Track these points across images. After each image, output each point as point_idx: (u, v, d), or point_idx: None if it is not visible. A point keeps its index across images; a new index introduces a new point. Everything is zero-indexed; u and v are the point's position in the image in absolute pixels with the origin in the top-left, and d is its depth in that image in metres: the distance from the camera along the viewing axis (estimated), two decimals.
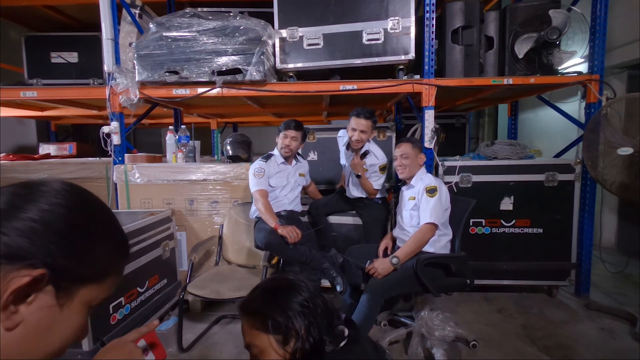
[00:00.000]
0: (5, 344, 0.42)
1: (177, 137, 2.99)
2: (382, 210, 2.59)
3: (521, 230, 2.71)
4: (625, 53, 3.37)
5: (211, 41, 2.51)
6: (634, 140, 2.20)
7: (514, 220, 2.70)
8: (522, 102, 4.37)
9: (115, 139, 2.74)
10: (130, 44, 2.80)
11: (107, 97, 2.67)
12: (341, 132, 2.67)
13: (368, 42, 2.56)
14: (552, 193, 2.66)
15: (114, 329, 1.96)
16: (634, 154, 2.19)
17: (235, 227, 2.58)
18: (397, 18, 2.51)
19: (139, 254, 2.21)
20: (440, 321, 1.99)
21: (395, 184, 3.11)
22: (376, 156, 2.44)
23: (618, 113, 2.28)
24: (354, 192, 2.58)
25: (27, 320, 0.43)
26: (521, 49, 2.66)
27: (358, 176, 2.42)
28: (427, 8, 2.56)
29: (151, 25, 2.57)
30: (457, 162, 2.69)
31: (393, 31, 2.53)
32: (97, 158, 3.27)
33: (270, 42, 2.57)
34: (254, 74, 2.51)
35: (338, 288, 2.10)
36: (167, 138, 3.03)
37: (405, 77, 2.69)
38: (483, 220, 2.72)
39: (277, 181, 2.42)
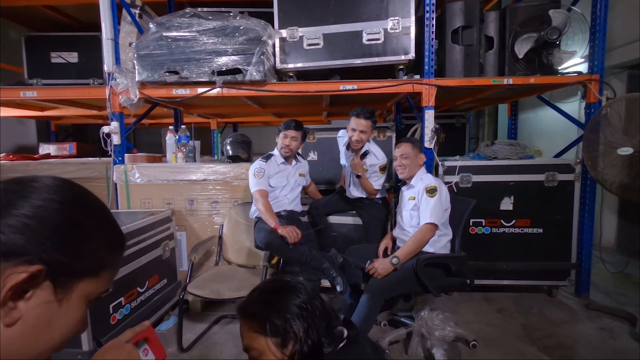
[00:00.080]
0: (5, 339, 0.42)
1: (177, 137, 2.99)
2: (382, 210, 2.58)
3: (521, 230, 2.71)
4: (625, 53, 3.37)
5: (211, 41, 2.51)
6: (634, 140, 2.20)
7: (514, 220, 2.70)
8: (522, 102, 4.37)
9: (115, 139, 2.74)
10: (130, 44, 2.80)
11: (107, 97, 2.67)
12: (341, 132, 2.67)
13: (368, 42, 2.56)
14: (552, 193, 2.66)
15: (114, 329, 1.96)
16: (634, 154, 2.19)
17: (235, 227, 2.58)
18: (397, 18, 2.51)
19: (139, 254, 2.21)
20: (440, 321, 1.99)
21: (395, 184, 3.11)
22: (376, 156, 2.44)
23: (618, 113, 2.28)
24: (354, 192, 2.58)
25: (26, 316, 0.43)
26: (521, 49, 2.66)
27: (358, 176, 2.42)
28: (427, 8, 2.56)
29: (151, 25, 2.57)
30: (457, 162, 2.69)
31: (393, 31, 2.53)
32: (97, 158, 3.27)
33: (270, 42, 2.57)
34: (254, 74, 2.51)
35: (338, 288, 2.10)
36: (167, 138, 3.03)
37: (405, 77, 2.69)
38: (483, 220, 2.72)
39: (277, 181, 2.42)
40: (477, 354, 2.04)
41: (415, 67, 2.78)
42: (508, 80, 2.66)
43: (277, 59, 2.64)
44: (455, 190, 2.64)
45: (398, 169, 2.20)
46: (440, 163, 2.67)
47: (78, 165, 3.01)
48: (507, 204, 2.69)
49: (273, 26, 2.60)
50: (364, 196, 2.54)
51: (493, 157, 2.74)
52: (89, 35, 3.29)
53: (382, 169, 2.48)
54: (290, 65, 2.65)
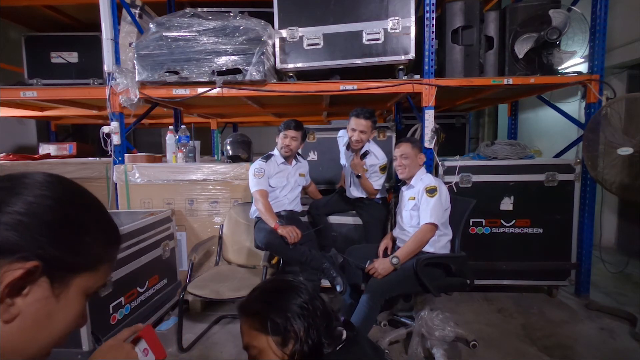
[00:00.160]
0: (5, 336, 0.42)
1: (177, 137, 2.99)
2: (382, 210, 2.58)
3: (521, 230, 2.71)
4: (625, 53, 3.37)
5: (211, 41, 2.51)
6: (634, 140, 2.20)
7: (514, 220, 2.70)
8: (522, 102, 4.37)
9: (115, 139, 2.74)
10: (130, 44, 2.80)
11: (107, 97, 2.67)
12: (341, 132, 2.67)
13: (368, 42, 2.56)
14: (552, 193, 2.66)
15: (114, 329, 1.96)
16: (634, 154, 2.19)
17: (235, 227, 2.58)
18: (397, 18, 2.51)
19: (139, 254, 2.21)
20: (440, 321, 1.99)
21: (395, 184, 3.11)
22: (376, 156, 2.44)
23: (618, 113, 2.28)
24: (354, 192, 2.58)
25: (25, 312, 0.43)
26: (521, 49, 2.66)
27: (358, 176, 2.42)
28: (427, 8, 2.56)
29: (151, 25, 2.57)
30: (457, 162, 2.69)
31: (393, 31, 2.53)
32: (97, 158, 3.27)
33: (270, 42, 2.57)
34: (254, 74, 2.51)
35: (338, 288, 2.10)
36: (167, 138, 3.03)
37: (405, 77, 2.69)
38: (483, 220, 2.72)
39: (277, 181, 2.42)
40: (477, 354, 2.04)
41: (415, 67, 2.78)
42: (508, 80, 2.66)
43: (277, 59, 2.65)
44: (455, 190, 2.64)
45: (398, 169, 2.20)
46: (440, 163, 2.67)
47: (78, 165, 3.01)
48: (507, 204, 2.69)
49: (273, 26, 2.60)
50: (364, 196, 2.54)
51: (493, 157, 2.75)
52: (89, 35, 3.29)
53: (382, 169, 2.48)
54: (290, 65, 2.65)
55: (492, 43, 2.79)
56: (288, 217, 2.39)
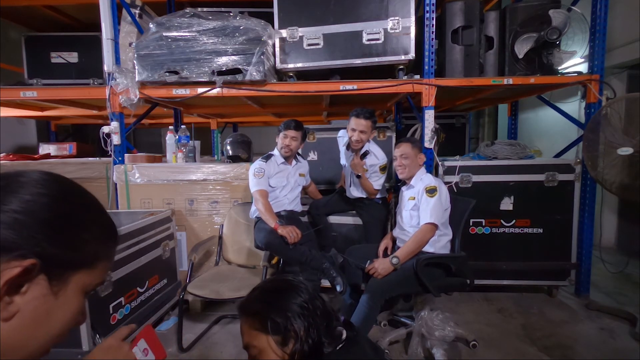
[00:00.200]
0: (4, 333, 0.43)
1: (177, 137, 2.99)
2: (382, 210, 2.58)
3: (521, 230, 2.71)
4: (625, 53, 3.37)
5: (211, 41, 2.51)
6: (634, 140, 2.20)
7: (514, 220, 2.70)
8: (522, 102, 4.37)
9: (115, 139, 2.74)
10: (130, 44, 2.80)
11: (107, 97, 2.67)
12: (341, 132, 2.67)
13: (368, 42, 2.56)
14: (552, 193, 2.66)
15: (114, 329, 1.96)
16: (634, 154, 2.19)
17: (235, 227, 2.58)
18: (397, 18, 2.51)
19: (139, 254, 2.21)
20: (440, 321, 1.99)
21: (395, 184, 3.11)
22: (376, 156, 2.44)
23: (618, 113, 2.28)
24: (354, 192, 2.58)
25: (24, 309, 0.43)
26: (521, 49, 2.66)
27: (358, 176, 2.42)
28: (427, 8, 2.56)
29: (151, 25, 2.57)
30: (457, 162, 2.69)
31: (393, 31, 2.53)
32: (97, 158, 3.27)
33: (270, 42, 2.57)
34: (254, 74, 2.51)
35: (338, 288, 2.10)
36: (167, 138, 3.03)
37: (405, 77, 2.69)
38: (483, 220, 2.72)
39: (277, 181, 2.42)
40: (477, 354, 2.04)
41: (415, 67, 2.78)
42: (508, 80, 2.66)
43: (277, 59, 2.65)
44: (455, 190, 2.64)
45: (398, 169, 2.20)
46: (440, 163, 2.67)
47: (78, 165, 3.01)
48: (507, 204, 2.69)
49: (273, 26, 2.60)
50: (364, 196, 2.54)
51: (493, 157, 2.75)
52: (89, 35, 3.29)
53: (382, 169, 2.48)
54: (290, 65, 2.65)
55: (492, 43, 2.79)
56: (288, 217, 2.39)
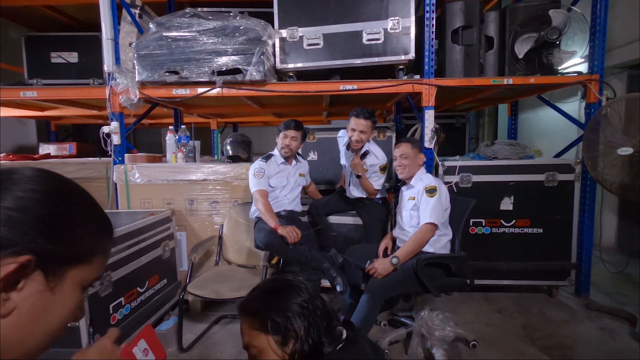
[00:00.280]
0: (2, 330, 0.43)
1: (177, 137, 2.99)
2: (382, 210, 2.58)
3: (521, 230, 2.71)
4: (625, 53, 3.37)
5: (211, 41, 2.51)
6: (634, 140, 2.20)
7: (514, 220, 2.70)
8: (522, 102, 4.37)
9: (115, 139, 2.74)
10: (130, 44, 2.80)
11: (107, 97, 2.67)
12: (341, 132, 2.67)
13: (368, 42, 2.56)
14: (552, 193, 2.66)
15: None
16: (634, 154, 2.19)
17: (235, 227, 2.58)
18: (397, 18, 2.51)
19: (139, 254, 2.21)
20: (440, 321, 1.99)
21: (395, 184, 3.11)
22: (376, 156, 2.44)
23: (618, 113, 2.28)
24: (354, 192, 2.58)
25: (21, 305, 0.44)
26: (521, 49, 2.66)
27: (358, 176, 2.42)
28: (427, 8, 2.56)
29: (151, 25, 2.57)
30: (457, 162, 2.69)
31: (393, 31, 2.53)
32: (97, 158, 3.27)
33: (270, 42, 2.57)
34: (254, 74, 2.51)
35: (338, 288, 2.10)
36: (167, 138, 3.03)
37: (405, 77, 2.69)
38: (483, 220, 2.72)
39: (277, 181, 2.42)
40: (477, 354, 2.04)
41: (415, 67, 2.78)
42: (508, 80, 2.66)
43: (277, 59, 2.65)
44: (455, 190, 2.64)
45: (398, 169, 2.20)
46: (440, 163, 2.67)
47: (78, 165, 3.00)
48: (507, 204, 2.69)
49: (273, 26, 2.60)
50: (364, 196, 2.54)
51: (493, 157, 2.75)
52: (89, 35, 3.29)
53: (382, 169, 2.48)
54: (290, 65, 2.65)
55: (492, 43, 2.79)
56: (288, 217, 2.39)
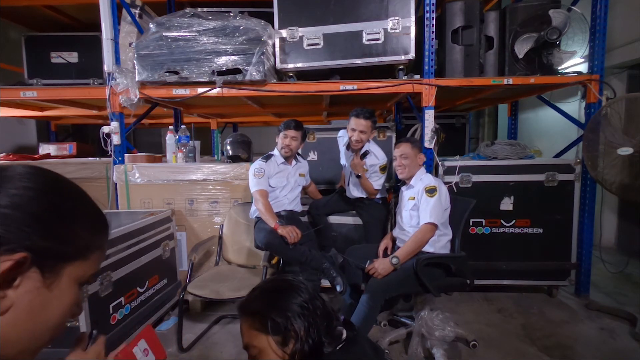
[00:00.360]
0: (1, 327, 0.43)
1: (177, 137, 2.99)
2: (382, 210, 2.58)
3: (521, 230, 2.71)
4: (625, 53, 3.37)
5: (211, 41, 2.51)
6: (634, 140, 2.20)
7: (514, 220, 2.70)
8: (522, 102, 4.37)
9: (115, 139, 2.74)
10: (130, 44, 2.80)
11: (107, 97, 2.67)
12: (341, 132, 2.67)
13: (368, 42, 2.56)
14: (552, 193, 2.66)
15: (114, 328, 1.96)
16: (634, 154, 2.19)
17: (235, 227, 2.58)
18: (397, 18, 2.51)
19: (139, 254, 2.21)
20: (440, 321, 1.99)
21: (395, 184, 3.11)
22: (376, 156, 2.44)
23: (618, 113, 2.28)
24: (354, 192, 2.58)
25: (18, 303, 0.44)
26: (521, 49, 2.66)
27: (358, 176, 2.42)
28: (427, 8, 2.56)
29: (151, 25, 2.57)
30: (457, 162, 2.69)
31: (393, 31, 2.53)
32: (97, 158, 3.27)
33: (270, 42, 2.57)
34: (254, 74, 2.51)
35: (338, 288, 2.10)
36: (167, 138, 3.03)
37: (405, 77, 2.69)
38: (483, 220, 2.72)
39: (277, 181, 2.42)
40: (477, 354, 2.04)
41: (415, 67, 2.78)
42: (508, 80, 2.66)
43: (277, 59, 2.65)
44: (455, 190, 2.64)
45: (398, 169, 2.20)
46: (440, 163, 2.67)
47: (78, 165, 3.00)
48: (507, 204, 2.69)
49: (273, 26, 2.60)
50: (364, 196, 2.54)
51: (493, 157, 2.75)
52: (89, 35, 3.29)
53: (382, 169, 2.48)
54: (290, 65, 2.65)
55: (492, 43, 2.79)
56: (288, 217, 2.39)
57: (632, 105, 2.24)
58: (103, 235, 0.55)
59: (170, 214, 2.58)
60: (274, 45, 2.63)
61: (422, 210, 2.04)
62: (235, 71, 2.55)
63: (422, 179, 2.15)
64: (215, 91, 2.65)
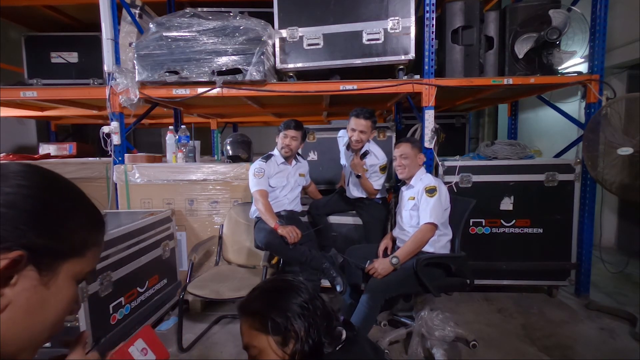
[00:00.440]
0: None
1: (177, 137, 2.99)
2: (382, 210, 2.58)
3: (521, 230, 2.71)
4: (625, 53, 3.37)
5: (211, 41, 2.51)
6: (634, 140, 2.20)
7: (514, 220, 2.70)
8: (522, 102, 4.37)
9: (115, 139, 2.74)
10: (130, 44, 2.80)
11: (107, 97, 2.67)
12: (341, 132, 2.67)
13: (368, 42, 2.56)
14: (552, 193, 2.66)
15: (114, 328, 1.96)
16: (634, 154, 2.19)
17: (235, 227, 2.58)
18: (397, 18, 2.51)
19: (139, 254, 2.21)
20: (440, 321, 1.99)
21: (395, 184, 3.11)
22: (376, 156, 2.44)
23: (618, 113, 2.28)
24: (354, 192, 2.58)
25: (15, 301, 0.44)
26: (521, 49, 2.66)
27: (358, 176, 2.42)
28: (427, 8, 2.56)
29: (151, 25, 2.57)
30: (457, 162, 2.69)
31: (393, 31, 2.53)
32: (97, 158, 3.27)
33: (270, 42, 2.57)
34: (254, 74, 2.51)
35: (338, 288, 2.10)
36: (167, 138, 3.03)
37: (405, 77, 2.69)
38: (483, 220, 2.72)
39: (277, 181, 2.42)
40: (477, 354, 2.04)
41: (415, 67, 2.78)
42: (508, 80, 2.66)
43: (277, 59, 2.65)
44: (455, 190, 2.64)
45: (397, 169, 2.20)
46: (440, 163, 2.67)
47: (78, 165, 3.00)
48: (507, 204, 2.69)
49: (273, 26, 2.60)
50: (364, 196, 2.54)
51: (493, 157, 2.75)
52: (89, 35, 3.29)
53: (382, 169, 2.48)
54: (290, 65, 2.65)
55: (492, 43, 2.79)
56: (288, 217, 2.39)
57: (632, 105, 2.24)
58: (99, 232, 0.55)
59: (170, 214, 2.58)
60: (274, 45, 2.63)
61: (422, 210, 2.04)
62: (235, 71, 2.55)
63: (422, 179, 2.15)
64: (215, 91, 2.65)
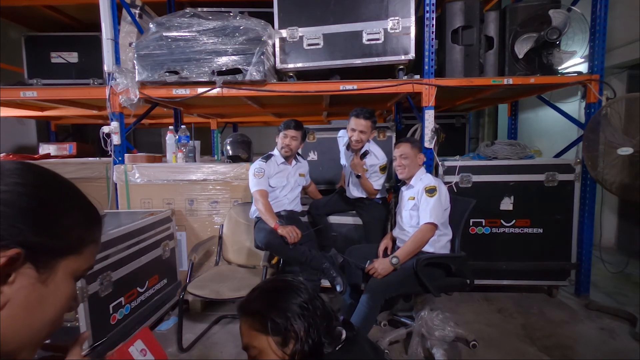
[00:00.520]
0: None
1: (177, 137, 2.99)
2: (382, 210, 2.58)
3: (521, 230, 2.71)
4: (625, 53, 3.37)
5: (211, 41, 2.51)
6: (634, 140, 2.20)
7: (514, 220, 2.70)
8: (522, 102, 4.37)
9: (115, 139, 2.74)
10: (130, 44, 2.80)
11: (107, 97, 2.67)
12: (341, 132, 2.67)
13: (368, 42, 2.56)
14: (552, 193, 2.66)
15: (114, 328, 1.96)
16: (634, 154, 2.19)
17: (235, 227, 2.58)
18: (397, 18, 2.51)
19: (139, 254, 2.21)
20: (440, 321, 1.99)
21: (395, 184, 3.11)
22: (376, 156, 2.44)
23: (618, 113, 2.28)
24: (354, 192, 2.58)
25: (14, 299, 0.44)
26: (521, 49, 2.66)
27: (358, 176, 2.42)
28: (427, 8, 2.56)
29: (151, 25, 2.57)
30: (457, 162, 2.69)
31: (393, 31, 2.53)
32: (97, 158, 3.27)
33: (270, 42, 2.57)
34: (254, 74, 2.51)
35: (338, 288, 2.10)
36: (167, 138, 3.03)
37: (405, 77, 2.69)
38: (483, 220, 2.72)
39: (277, 181, 2.42)
40: (477, 354, 2.04)
41: (415, 67, 2.78)
42: (508, 80, 2.66)
43: (277, 59, 2.64)
44: (455, 190, 2.64)
45: (397, 169, 2.20)
46: (440, 163, 2.67)
47: (78, 165, 3.00)
48: (507, 204, 2.69)
49: (273, 26, 2.60)
50: (364, 196, 2.54)
51: (493, 157, 2.75)
52: (89, 35, 3.29)
53: (382, 169, 2.48)
54: (290, 65, 2.65)
55: (492, 43, 2.79)
56: (288, 217, 2.39)
57: (632, 105, 2.24)
58: (96, 229, 0.55)
59: (170, 214, 2.58)
60: (274, 45, 2.63)
61: (422, 210, 2.04)
62: (235, 71, 2.55)
63: (422, 179, 2.15)
64: (215, 91, 2.65)
